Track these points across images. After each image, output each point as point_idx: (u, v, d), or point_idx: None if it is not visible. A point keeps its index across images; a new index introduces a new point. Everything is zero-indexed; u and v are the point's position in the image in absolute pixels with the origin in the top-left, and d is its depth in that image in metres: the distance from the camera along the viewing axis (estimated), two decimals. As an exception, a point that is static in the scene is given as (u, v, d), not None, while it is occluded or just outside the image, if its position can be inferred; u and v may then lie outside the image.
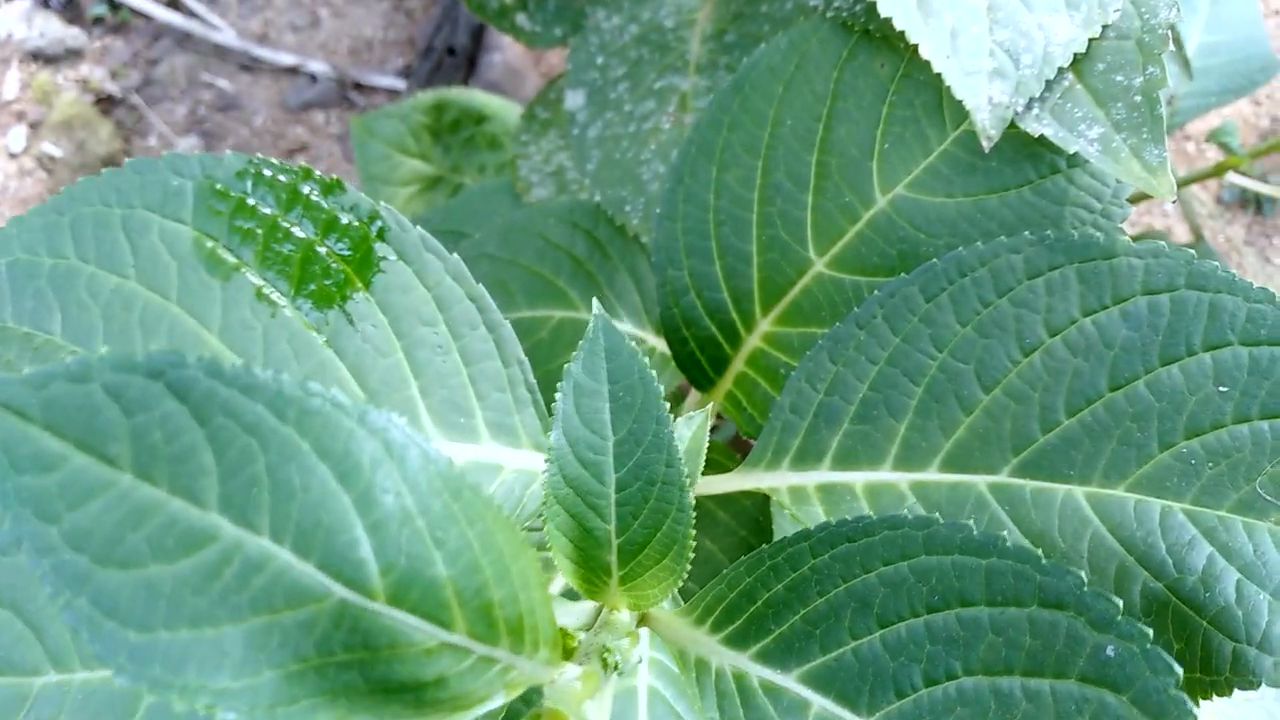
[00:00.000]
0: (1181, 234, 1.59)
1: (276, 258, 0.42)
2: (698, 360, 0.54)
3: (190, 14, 1.72)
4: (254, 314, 0.42)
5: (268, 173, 0.43)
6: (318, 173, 0.44)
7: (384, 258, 0.43)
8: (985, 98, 0.39)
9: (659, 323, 0.56)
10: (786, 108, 0.48)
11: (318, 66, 1.68)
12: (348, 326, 0.42)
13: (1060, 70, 0.39)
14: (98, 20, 1.74)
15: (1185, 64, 0.77)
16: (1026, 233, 0.40)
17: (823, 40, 0.47)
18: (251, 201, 0.43)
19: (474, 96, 0.93)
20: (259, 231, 0.42)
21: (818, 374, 0.43)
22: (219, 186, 0.43)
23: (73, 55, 1.72)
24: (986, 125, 0.39)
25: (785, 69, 0.49)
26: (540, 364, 0.60)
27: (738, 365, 0.53)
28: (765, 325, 0.51)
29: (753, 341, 0.52)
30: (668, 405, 0.27)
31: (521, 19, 0.67)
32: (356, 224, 0.43)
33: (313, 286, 0.42)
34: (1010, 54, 0.39)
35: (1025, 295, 0.40)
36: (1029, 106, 0.39)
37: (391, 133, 0.94)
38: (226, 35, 1.69)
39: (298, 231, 0.43)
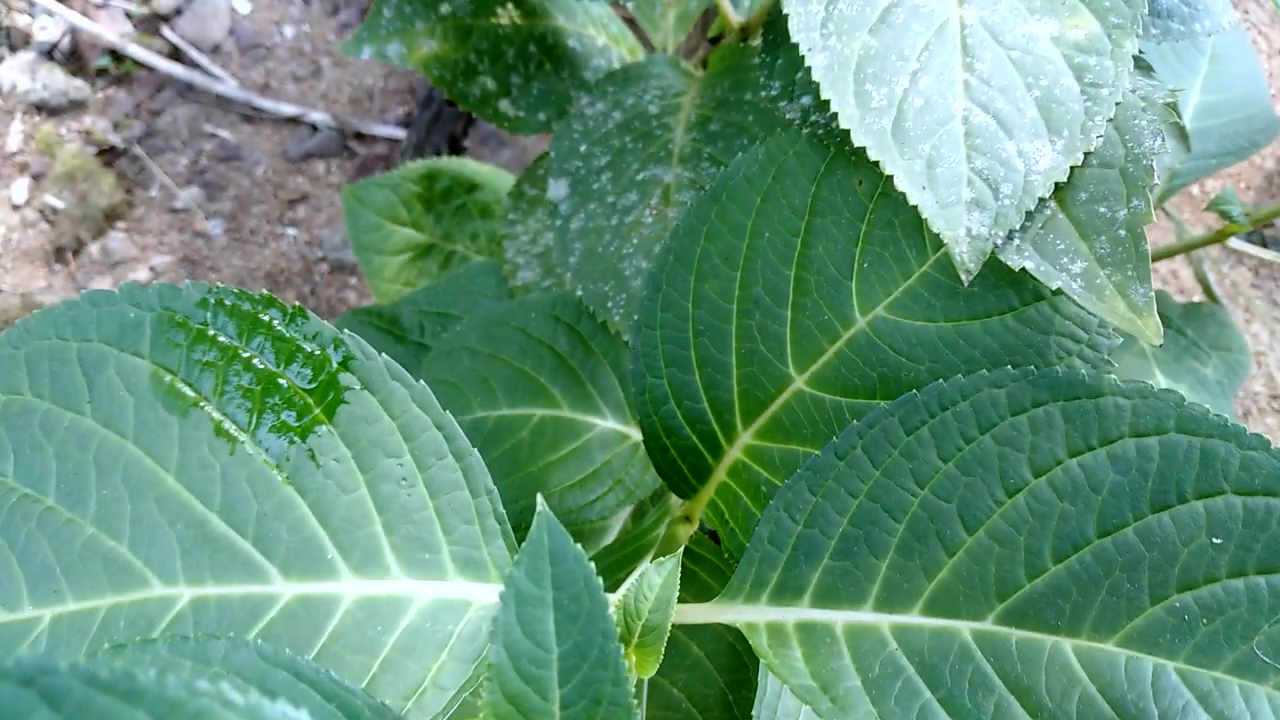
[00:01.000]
0: (1186, 276, 1.56)
1: (236, 390, 0.41)
2: (679, 468, 0.53)
3: (193, 65, 1.73)
4: (212, 451, 0.41)
5: (229, 301, 0.42)
6: (280, 300, 0.43)
7: (348, 388, 0.42)
8: (963, 229, 0.38)
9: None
10: (764, 220, 0.47)
11: (319, 116, 1.68)
12: (309, 462, 0.41)
13: (1041, 200, 0.38)
14: (101, 71, 1.75)
15: (1183, 136, 0.75)
16: (1009, 366, 0.39)
17: (800, 153, 0.46)
18: (211, 331, 0.41)
19: (465, 165, 0.92)
20: (219, 363, 0.41)
21: (796, 504, 0.42)
22: (178, 317, 0.42)
23: (76, 107, 1.73)
24: (965, 258, 0.38)
25: (762, 180, 0.47)
26: (520, 465, 0.58)
27: (719, 475, 0.51)
28: (746, 438, 0.49)
29: (734, 453, 0.50)
30: (613, 615, 0.26)
31: (505, 105, 0.66)
32: (319, 353, 0.42)
33: (274, 420, 0.41)
34: (989, 183, 0.38)
35: (1009, 433, 0.38)
36: (1009, 238, 0.38)
37: (383, 202, 0.94)
38: (228, 86, 1.70)
39: (258, 362, 0.42)
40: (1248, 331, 1.53)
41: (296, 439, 0.41)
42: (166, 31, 1.77)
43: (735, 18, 0.64)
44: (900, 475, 0.39)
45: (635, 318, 0.51)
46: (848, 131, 0.39)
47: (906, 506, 0.39)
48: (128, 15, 1.77)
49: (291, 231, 1.67)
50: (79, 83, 1.73)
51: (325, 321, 0.43)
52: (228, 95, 1.70)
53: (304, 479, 0.41)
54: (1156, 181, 0.36)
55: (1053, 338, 0.40)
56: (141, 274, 1.61)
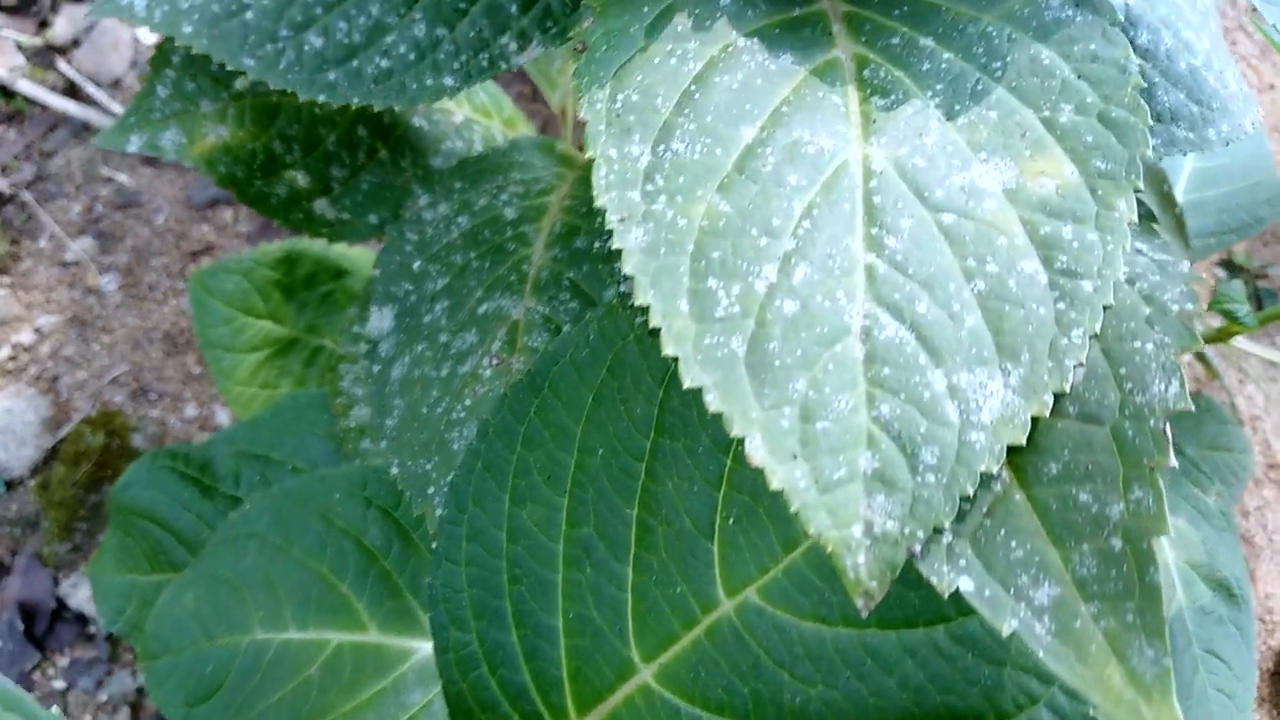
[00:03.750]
0: None
1: None
2: (503, 746, 0.38)
3: (90, 101, 1.57)
4: None
5: None
6: None
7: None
8: (858, 527, 0.23)
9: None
10: (597, 430, 0.32)
11: (224, 160, 1.52)
12: None
13: (987, 475, 0.23)
14: (-12, 109, 1.59)
15: (1180, 229, 0.61)
16: (942, 710, 0.24)
17: (643, 341, 0.31)
18: None
19: (329, 248, 0.77)
20: None
21: None
22: None
23: (-40, 148, 1.57)
24: (863, 574, 0.23)
25: (594, 371, 0.33)
26: None
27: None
28: (585, 728, 0.35)
29: (570, 745, 0.35)
30: None
31: (322, 205, 0.51)
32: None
33: None
34: (902, 444, 0.23)
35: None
36: (935, 538, 0.23)
37: (234, 290, 0.79)
38: (124, 127, 1.53)
39: None
40: (1241, 393, 1.40)
41: None
42: (62, 65, 1.61)
43: (554, 101, 0.50)
44: None
45: (434, 543, 0.36)
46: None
47: None
48: (19, 46, 1.61)
49: (192, 288, 1.51)
50: (-39, 122, 1.57)
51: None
52: (123, 136, 1.53)
53: None
54: (1173, 463, 0.22)
55: (1008, 672, 0.25)
56: (25, 335, 1.45)
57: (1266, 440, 1.36)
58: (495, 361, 0.46)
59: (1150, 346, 0.24)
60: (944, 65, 0.29)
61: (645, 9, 0.28)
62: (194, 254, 1.53)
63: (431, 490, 0.45)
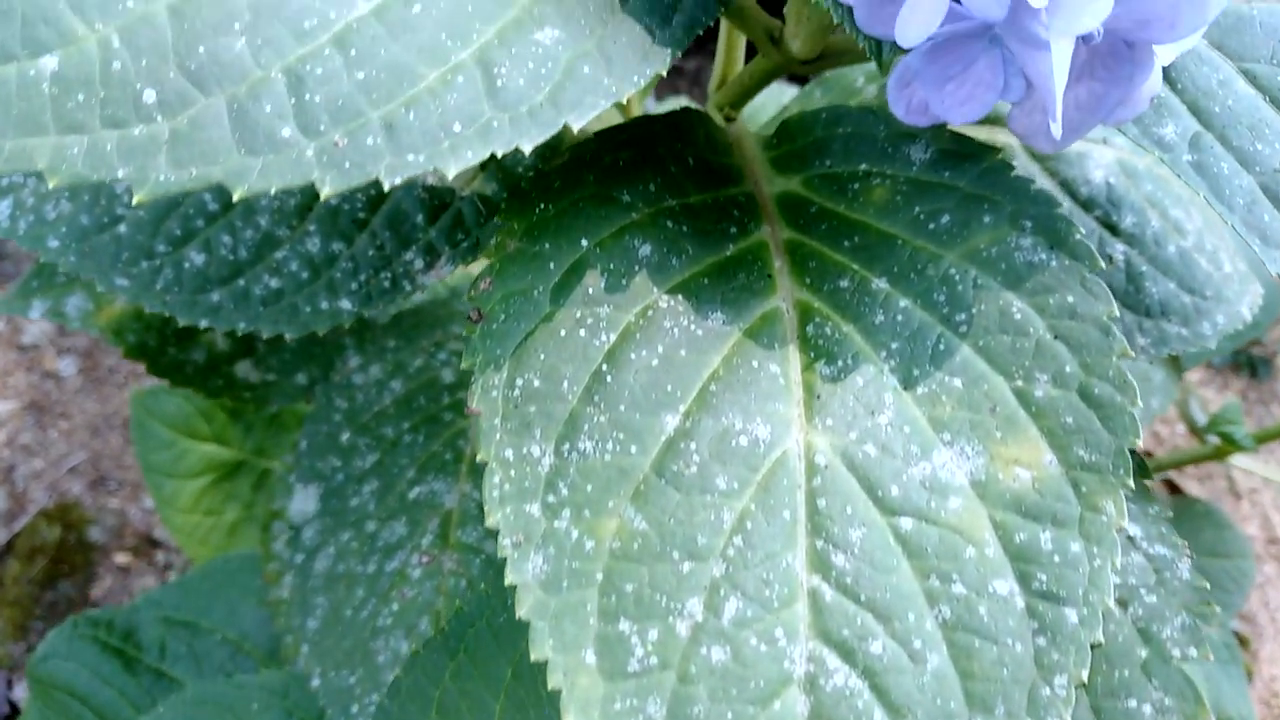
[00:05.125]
0: (1166, 425, 1.39)
1: None
2: None
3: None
4: None
5: None
6: None
7: None
8: None
9: None
10: (519, 713, 0.28)
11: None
12: None
13: None
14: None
15: (1175, 365, 0.57)
16: None
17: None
18: None
19: (276, 368, 0.73)
20: None
21: None
22: None
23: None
24: None
25: (514, 640, 0.28)
26: None
27: None
28: None
29: None
30: None
31: (245, 369, 0.47)
32: None
33: None
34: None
35: None
36: None
37: (175, 413, 0.74)
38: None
39: None
40: (1236, 466, 1.36)
41: None
42: None
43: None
44: None
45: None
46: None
47: None
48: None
49: (152, 372, 1.46)
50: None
51: None
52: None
53: None
54: None
55: None
56: (-19, 422, 1.41)
57: (1266, 514, 1.32)
58: (425, 560, 0.41)
59: (1148, 710, 0.20)
60: (900, 316, 0.25)
61: (551, 265, 0.24)
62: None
63: (355, 709, 0.40)
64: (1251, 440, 0.64)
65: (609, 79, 0.21)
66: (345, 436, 0.46)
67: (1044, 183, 0.34)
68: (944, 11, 0.20)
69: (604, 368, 0.23)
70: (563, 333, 0.23)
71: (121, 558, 1.33)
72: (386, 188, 0.19)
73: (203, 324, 0.30)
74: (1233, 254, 0.37)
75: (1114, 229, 0.34)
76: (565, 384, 0.23)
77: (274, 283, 0.30)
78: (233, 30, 0.19)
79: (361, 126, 0.19)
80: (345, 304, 0.31)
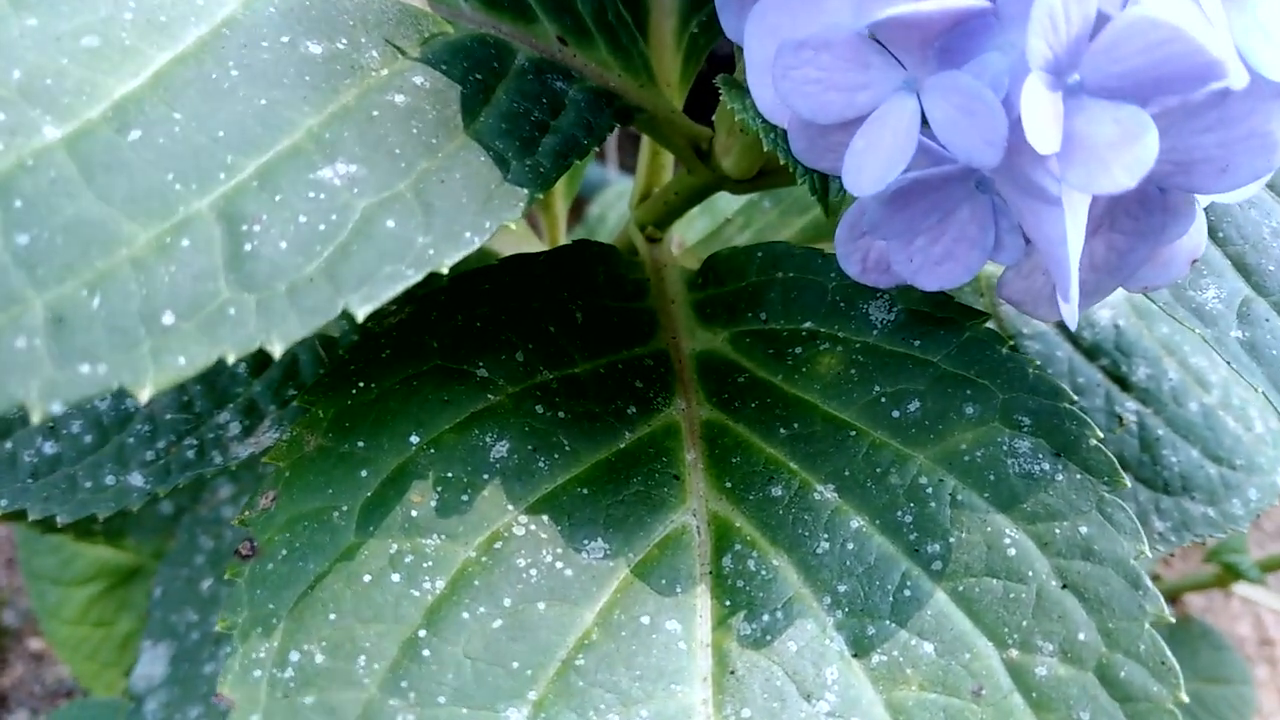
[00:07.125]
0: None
1: None
2: None
3: None
4: None
5: None
6: None
7: None
8: None
9: None
10: None
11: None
12: None
13: None
14: None
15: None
16: None
17: None
18: None
19: (178, 465, 0.66)
20: None
21: None
22: None
23: None
24: None
25: None
26: None
27: None
28: None
29: None
30: None
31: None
32: None
33: None
34: None
35: None
36: None
37: (64, 512, 0.66)
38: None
39: None
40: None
41: None
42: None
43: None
44: None
45: None
46: None
47: None
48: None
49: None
50: None
51: None
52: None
53: None
54: None
55: None
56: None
57: (1259, 617, 1.26)
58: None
59: None
60: (851, 544, 0.18)
61: (363, 473, 0.17)
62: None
63: None
64: (1258, 570, 0.58)
65: (425, 237, 0.14)
66: (207, 585, 0.39)
67: (1037, 327, 0.28)
68: (911, 152, 0.14)
69: (422, 634, 0.16)
70: (367, 578, 0.16)
71: (36, 643, 1.23)
72: (35, 419, 0.12)
73: (-48, 500, 0.23)
74: (1263, 409, 0.31)
75: (1124, 383, 0.28)
76: (362, 660, 0.16)
77: (49, 447, 0.23)
78: None
79: (14, 319, 0.12)
80: (136, 479, 0.23)
